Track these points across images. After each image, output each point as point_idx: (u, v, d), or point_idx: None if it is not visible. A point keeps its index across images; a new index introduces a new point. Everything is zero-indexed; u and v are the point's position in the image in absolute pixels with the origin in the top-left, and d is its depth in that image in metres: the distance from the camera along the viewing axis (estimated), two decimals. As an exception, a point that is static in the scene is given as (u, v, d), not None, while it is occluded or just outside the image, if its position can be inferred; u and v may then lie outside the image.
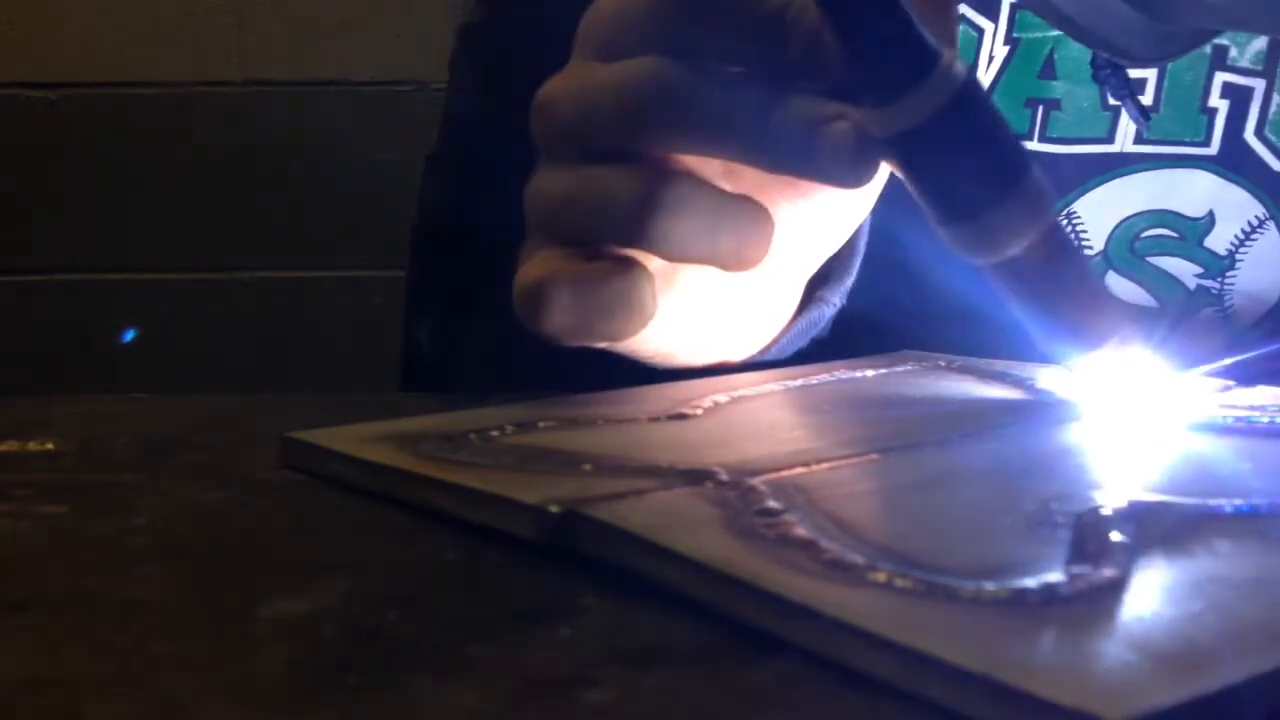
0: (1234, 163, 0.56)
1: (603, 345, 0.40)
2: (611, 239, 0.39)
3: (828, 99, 0.36)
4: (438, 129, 0.65)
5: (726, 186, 0.39)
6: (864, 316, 0.49)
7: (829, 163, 0.36)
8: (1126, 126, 0.57)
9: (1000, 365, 0.45)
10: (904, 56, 0.34)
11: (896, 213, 0.44)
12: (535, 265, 0.39)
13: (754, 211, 0.39)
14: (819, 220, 0.43)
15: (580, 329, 0.39)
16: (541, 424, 0.37)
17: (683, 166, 0.39)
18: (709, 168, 0.40)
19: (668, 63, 0.38)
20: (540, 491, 0.30)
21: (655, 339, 0.41)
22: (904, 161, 0.36)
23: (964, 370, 0.45)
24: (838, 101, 0.36)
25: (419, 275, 0.64)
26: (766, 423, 0.40)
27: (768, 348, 0.47)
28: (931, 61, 0.34)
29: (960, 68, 0.34)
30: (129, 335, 1.60)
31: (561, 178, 0.40)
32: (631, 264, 0.39)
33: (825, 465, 0.33)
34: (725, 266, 0.40)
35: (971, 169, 0.35)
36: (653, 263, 0.39)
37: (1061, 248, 0.36)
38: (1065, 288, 0.36)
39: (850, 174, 0.37)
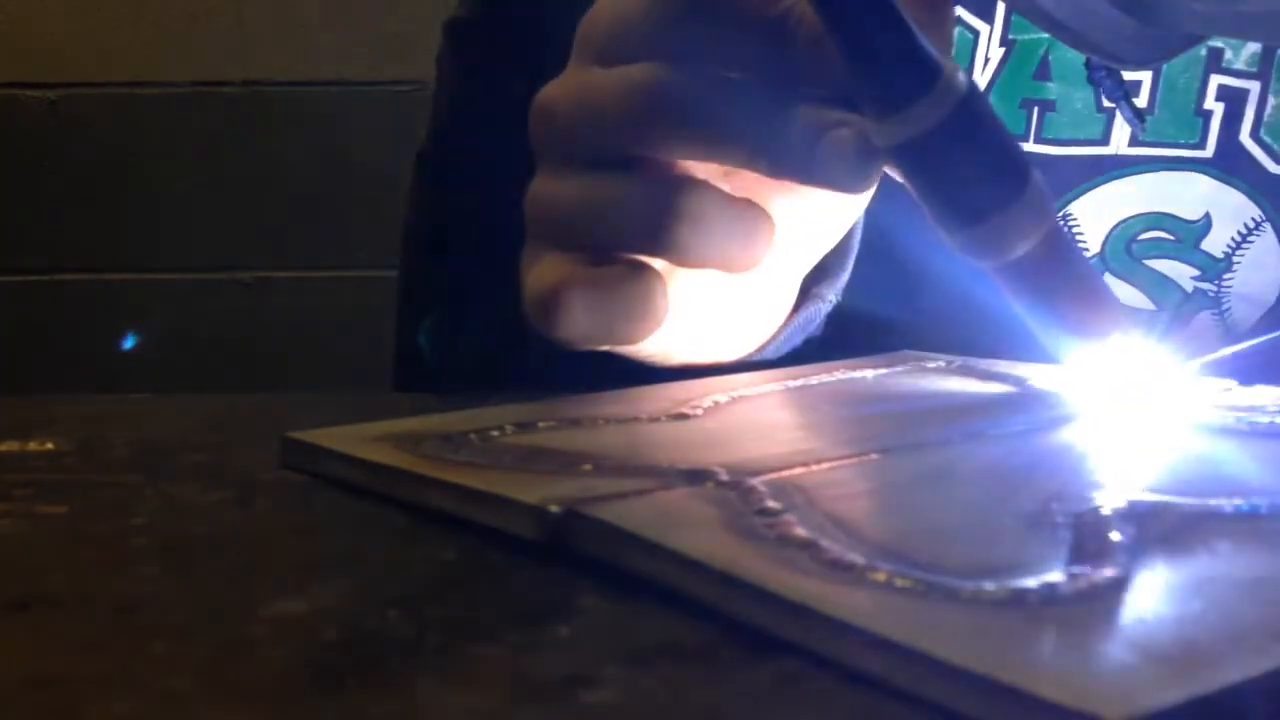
0: (1230, 165, 0.56)
1: (606, 348, 0.40)
2: (625, 246, 0.39)
3: (830, 105, 0.36)
4: (427, 126, 0.65)
5: (724, 187, 0.39)
6: (863, 316, 0.49)
7: (831, 169, 0.36)
8: (1122, 129, 0.57)
9: (1000, 365, 0.45)
10: (906, 70, 0.34)
11: (896, 212, 0.44)
12: (545, 271, 0.39)
13: (757, 215, 0.39)
14: (815, 219, 0.43)
15: (595, 334, 0.39)
16: (541, 424, 0.37)
17: (686, 171, 0.39)
18: (708, 169, 0.40)
19: (670, 68, 0.38)
20: (540, 491, 0.30)
21: (655, 339, 0.41)
22: (907, 169, 0.35)
23: (964, 370, 0.45)
24: (840, 106, 0.36)
25: (411, 273, 0.64)
26: (766, 423, 0.40)
27: (764, 345, 0.47)
28: (934, 73, 0.34)
29: (962, 78, 0.34)
30: (129, 338, 1.60)
31: (565, 184, 0.39)
32: (643, 268, 0.39)
33: (825, 465, 0.33)
34: (729, 270, 0.40)
35: (976, 175, 0.35)
36: (656, 264, 0.39)
37: (1063, 246, 0.37)
38: (1067, 285, 0.37)
39: (852, 180, 0.37)
